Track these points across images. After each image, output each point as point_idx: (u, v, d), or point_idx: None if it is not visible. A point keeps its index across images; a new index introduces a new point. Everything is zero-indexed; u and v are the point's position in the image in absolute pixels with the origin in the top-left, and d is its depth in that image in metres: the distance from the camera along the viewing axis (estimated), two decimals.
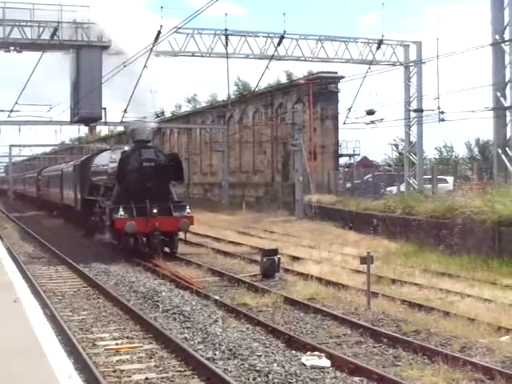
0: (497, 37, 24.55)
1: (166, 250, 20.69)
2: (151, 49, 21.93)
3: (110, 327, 11.50)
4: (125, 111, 27.56)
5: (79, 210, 27.21)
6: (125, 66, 22.01)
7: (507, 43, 24.32)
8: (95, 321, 11.96)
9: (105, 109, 30.82)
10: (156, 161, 20.99)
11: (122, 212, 19.85)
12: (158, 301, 13.38)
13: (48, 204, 41.14)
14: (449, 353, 9.39)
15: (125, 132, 64.58)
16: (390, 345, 10.16)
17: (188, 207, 21.16)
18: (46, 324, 8.24)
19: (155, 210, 20.03)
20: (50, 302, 13.19)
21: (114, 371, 8.89)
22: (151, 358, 9.54)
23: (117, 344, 10.32)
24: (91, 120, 33.15)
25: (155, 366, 9.14)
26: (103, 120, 32.51)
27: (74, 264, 18.42)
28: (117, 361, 9.38)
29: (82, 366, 8.70)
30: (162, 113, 21.43)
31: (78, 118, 31.37)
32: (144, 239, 20.41)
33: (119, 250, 20.58)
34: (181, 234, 21.48)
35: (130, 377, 8.69)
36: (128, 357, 9.56)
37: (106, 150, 29.46)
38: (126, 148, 23.71)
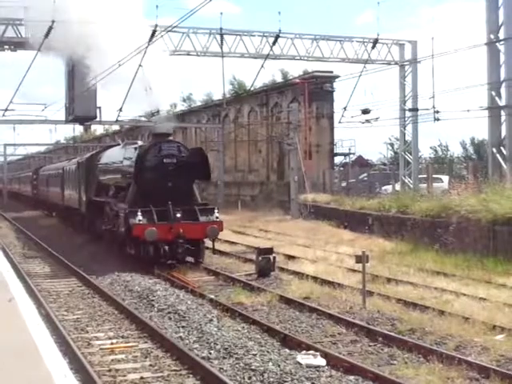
0: (492, 36, 24.57)
1: (190, 259, 18.21)
2: (146, 48, 21.84)
3: (105, 326, 11.48)
4: (120, 110, 27.46)
5: (84, 212, 24.81)
6: (120, 66, 21.89)
7: (502, 42, 24.34)
8: (90, 320, 11.93)
9: (100, 108, 30.80)
10: (178, 157, 18.40)
11: (140, 216, 17.29)
12: (153, 300, 13.36)
13: (48, 205, 38.80)
14: (444, 351, 9.40)
15: (120, 131, 64.57)
16: (385, 343, 10.17)
17: (217, 211, 18.59)
18: (40, 323, 8.23)
19: (179, 215, 17.62)
20: (44, 301, 13.18)
21: (109, 370, 8.88)
22: (146, 357, 9.53)
23: (112, 343, 10.31)
24: (86, 119, 33.06)
25: (150, 365, 9.13)
26: (98, 119, 32.47)
27: (69, 263, 18.36)
28: (112, 360, 9.37)
29: (77, 366, 8.70)
30: (158, 111, 21.10)
31: (72, 117, 31.31)
32: (166, 248, 17.42)
33: (136, 259, 18.07)
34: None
35: (125, 376, 8.68)
36: (123, 356, 9.55)
37: (112, 145, 26.82)
38: (140, 143, 21.19)
